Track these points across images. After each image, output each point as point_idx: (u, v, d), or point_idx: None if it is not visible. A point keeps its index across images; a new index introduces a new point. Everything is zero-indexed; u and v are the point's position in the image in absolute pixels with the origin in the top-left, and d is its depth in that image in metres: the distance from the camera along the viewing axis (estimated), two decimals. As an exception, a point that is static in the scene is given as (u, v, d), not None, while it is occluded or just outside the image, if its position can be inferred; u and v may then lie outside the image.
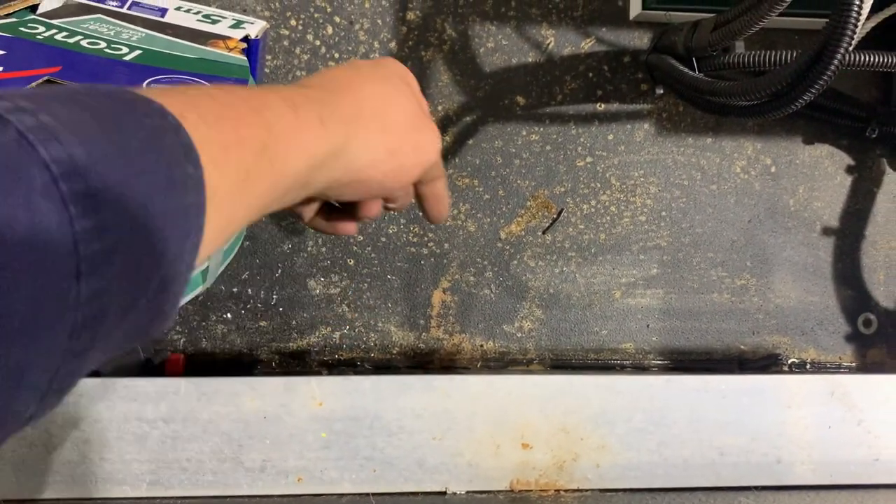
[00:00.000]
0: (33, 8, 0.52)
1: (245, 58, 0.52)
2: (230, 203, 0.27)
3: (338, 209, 0.40)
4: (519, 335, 0.62)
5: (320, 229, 0.41)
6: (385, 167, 0.36)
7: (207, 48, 0.51)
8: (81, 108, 0.22)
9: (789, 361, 0.65)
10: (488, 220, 0.62)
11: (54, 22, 0.50)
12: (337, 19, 0.59)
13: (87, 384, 0.45)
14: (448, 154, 0.61)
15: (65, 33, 0.49)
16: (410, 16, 0.60)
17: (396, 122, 0.37)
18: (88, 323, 0.21)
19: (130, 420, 0.45)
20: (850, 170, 0.65)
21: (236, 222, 0.29)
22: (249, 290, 0.60)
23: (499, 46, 0.61)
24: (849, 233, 0.66)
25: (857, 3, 0.37)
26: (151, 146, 0.23)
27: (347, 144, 0.34)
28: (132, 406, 0.44)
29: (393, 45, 0.60)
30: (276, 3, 0.58)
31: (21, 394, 0.19)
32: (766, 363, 0.65)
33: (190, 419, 0.44)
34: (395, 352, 0.61)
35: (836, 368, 0.66)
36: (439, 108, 0.61)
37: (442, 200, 0.42)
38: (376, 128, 0.36)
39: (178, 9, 0.54)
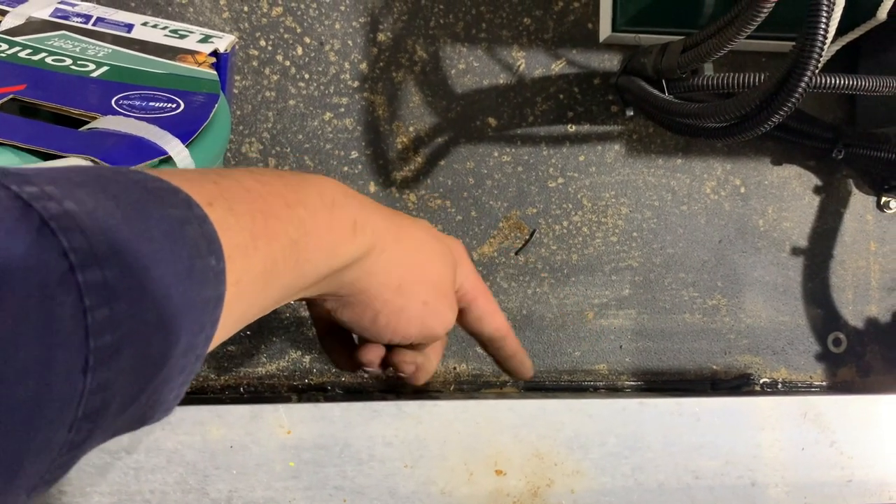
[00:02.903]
0: (-6, 26, 0.51)
1: (215, 72, 0.51)
2: (251, 293, 0.27)
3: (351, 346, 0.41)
4: (492, 357, 0.61)
5: (327, 351, 0.41)
6: (388, 297, 0.34)
7: (176, 63, 0.50)
8: (107, 195, 0.21)
9: (761, 381, 0.65)
10: (461, 241, 0.61)
11: (17, 39, 0.49)
12: (307, 40, 0.59)
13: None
14: (420, 175, 0.61)
15: (29, 50, 0.48)
16: (381, 37, 0.60)
17: (423, 268, 0.36)
18: (90, 415, 0.20)
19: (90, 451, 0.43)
20: (817, 190, 0.66)
21: (252, 313, 0.28)
22: (217, 314, 0.59)
23: (470, 68, 0.61)
24: (817, 252, 0.66)
25: (823, 27, 0.38)
26: (174, 237, 0.22)
27: (368, 254, 0.33)
28: (93, 436, 0.43)
29: (364, 66, 0.59)
30: (245, 24, 0.58)
31: (13, 489, 0.18)
32: (739, 383, 0.65)
33: (153, 449, 0.42)
34: (366, 375, 0.60)
35: (808, 387, 0.66)
36: (410, 129, 0.61)
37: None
38: (403, 260, 0.35)
39: (144, 24, 0.54)
